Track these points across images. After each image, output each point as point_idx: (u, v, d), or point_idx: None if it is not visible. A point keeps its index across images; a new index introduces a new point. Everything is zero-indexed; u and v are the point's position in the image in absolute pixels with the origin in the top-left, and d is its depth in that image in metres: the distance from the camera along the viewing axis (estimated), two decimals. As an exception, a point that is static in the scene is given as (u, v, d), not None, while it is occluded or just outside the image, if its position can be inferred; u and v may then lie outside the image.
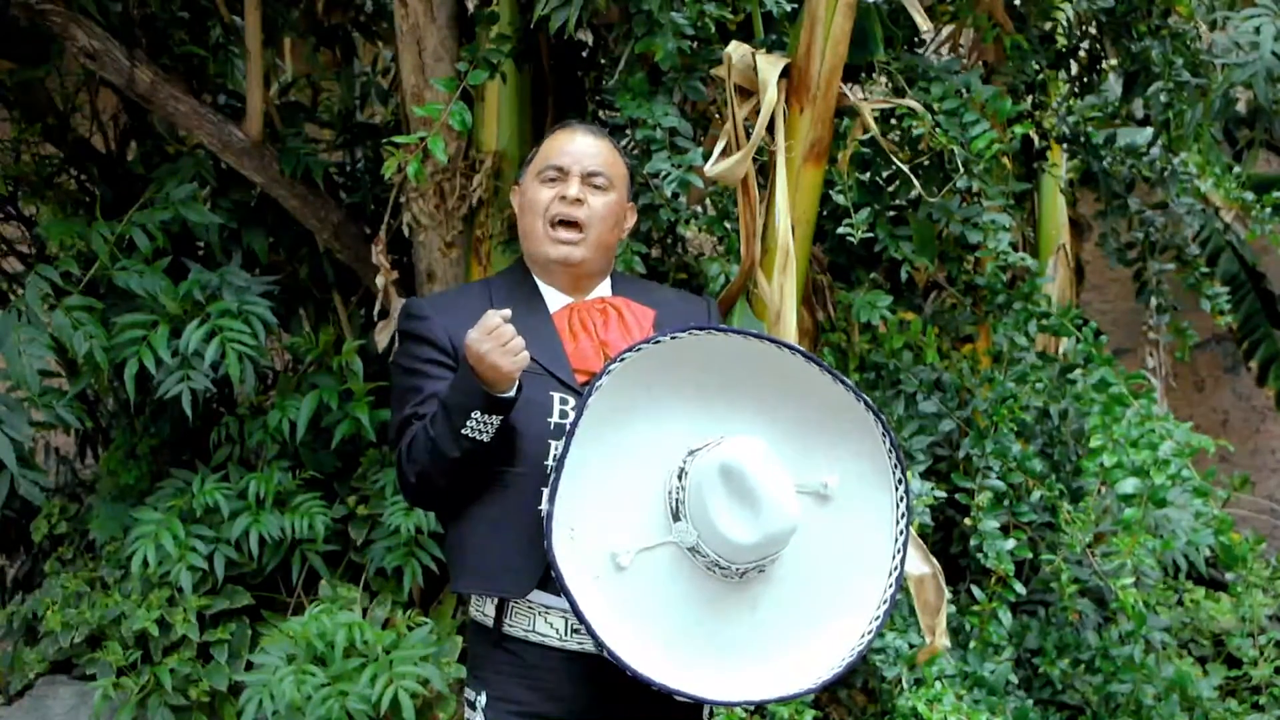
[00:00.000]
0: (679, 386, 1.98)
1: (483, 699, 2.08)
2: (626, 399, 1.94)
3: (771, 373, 1.99)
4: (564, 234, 2.12)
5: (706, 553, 1.90)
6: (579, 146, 2.16)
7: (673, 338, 1.95)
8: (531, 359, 2.04)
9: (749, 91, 3.04)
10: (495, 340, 1.91)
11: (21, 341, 3.24)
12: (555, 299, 2.16)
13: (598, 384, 1.92)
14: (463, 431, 1.95)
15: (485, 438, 1.95)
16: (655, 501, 1.95)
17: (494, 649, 2.08)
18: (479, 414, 1.94)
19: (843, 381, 1.99)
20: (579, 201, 2.12)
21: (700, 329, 1.96)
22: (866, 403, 2.00)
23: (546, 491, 1.93)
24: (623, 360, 1.93)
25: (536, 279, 2.17)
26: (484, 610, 2.11)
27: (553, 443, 2.02)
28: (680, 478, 1.93)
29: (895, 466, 2.01)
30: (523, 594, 2.03)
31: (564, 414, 2.04)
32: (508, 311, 1.93)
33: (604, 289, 2.20)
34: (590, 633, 1.87)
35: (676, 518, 1.92)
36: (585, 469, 1.92)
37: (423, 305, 2.16)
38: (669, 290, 2.38)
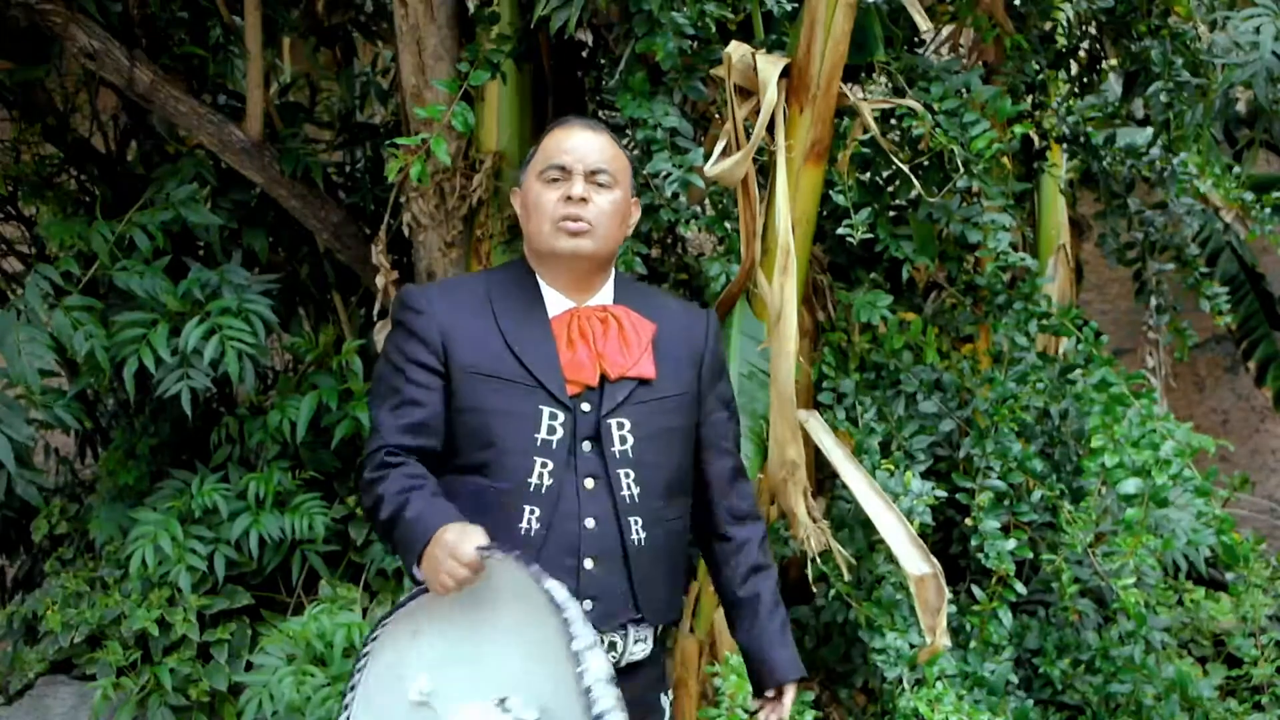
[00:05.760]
0: (442, 633, 1.92)
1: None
2: (397, 655, 1.93)
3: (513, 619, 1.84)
4: (572, 227, 2.06)
5: None
6: (580, 143, 2.10)
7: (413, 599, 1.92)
8: (524, 369, 2.03)
9: (749, 91, 3.04)
10: (452, 561, 1.84)
11: (21, 341, 3.24)
12: (556, 302, 2.10)
13: (360, 663, 1.95)
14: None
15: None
16: None
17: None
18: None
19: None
20: (584, 201, 2.06)
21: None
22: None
23: None
24: (384, 625, 1.95)
25: (539, 279, 2.11)
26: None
27: (538, 459, 1.99)
28: None
29: None
30: None
31: (551, 429, 2.00)
32: (487, 554, 1.84)
33: (606, 293, 2.13)
34: None
35: None
36: None
37: (418, 297, 2.09)
38: (672, 300, 2.32)
